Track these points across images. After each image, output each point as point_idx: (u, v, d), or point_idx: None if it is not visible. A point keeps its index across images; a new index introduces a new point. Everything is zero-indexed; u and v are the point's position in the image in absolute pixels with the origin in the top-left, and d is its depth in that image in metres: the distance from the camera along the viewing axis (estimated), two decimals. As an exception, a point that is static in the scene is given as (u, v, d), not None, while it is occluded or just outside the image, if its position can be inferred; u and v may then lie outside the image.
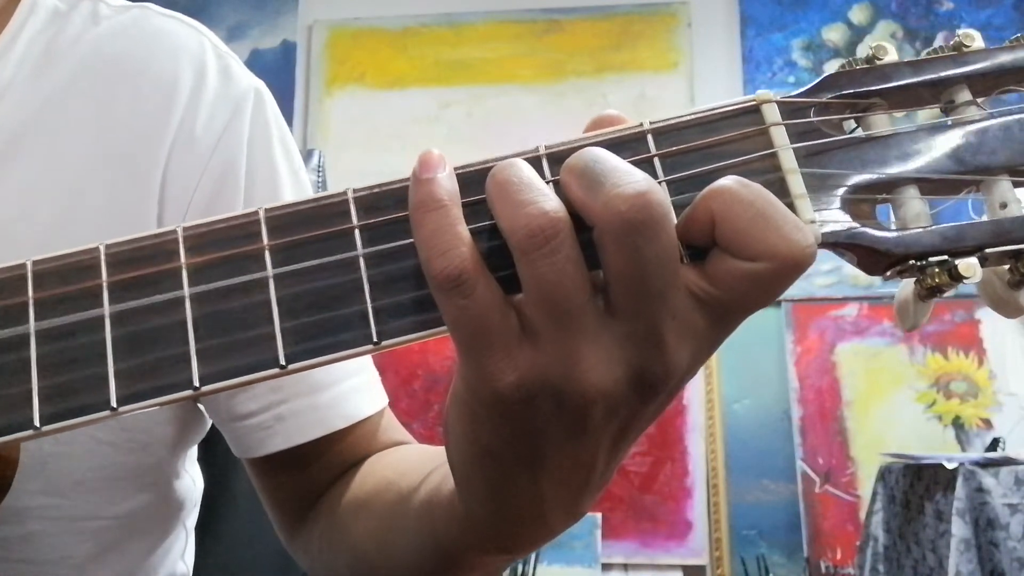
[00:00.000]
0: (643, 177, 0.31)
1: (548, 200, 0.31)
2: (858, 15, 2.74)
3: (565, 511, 0.37)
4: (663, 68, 2.78)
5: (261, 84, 0.66)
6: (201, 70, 0.62)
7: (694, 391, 2.60)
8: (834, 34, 2.74)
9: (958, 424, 2.48)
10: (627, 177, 0.31)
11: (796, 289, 2.61)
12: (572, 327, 0.31)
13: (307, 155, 0.94)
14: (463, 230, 0.32)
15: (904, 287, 0.34)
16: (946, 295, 0.32)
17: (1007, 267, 0.32)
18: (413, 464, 0.53)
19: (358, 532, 0.55)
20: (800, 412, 2.54)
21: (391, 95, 2.86)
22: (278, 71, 2.88)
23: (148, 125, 0.59)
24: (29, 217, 0.56)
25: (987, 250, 0.32)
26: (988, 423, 2.47)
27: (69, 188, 0.57)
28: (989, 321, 2.53)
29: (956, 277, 0.31)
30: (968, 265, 0.31)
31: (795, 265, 0.31)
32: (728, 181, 0.32)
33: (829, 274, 2.61)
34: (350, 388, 0.61)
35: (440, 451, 0.44)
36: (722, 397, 2.59)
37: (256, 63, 2.87)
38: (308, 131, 2.86)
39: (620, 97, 2.70)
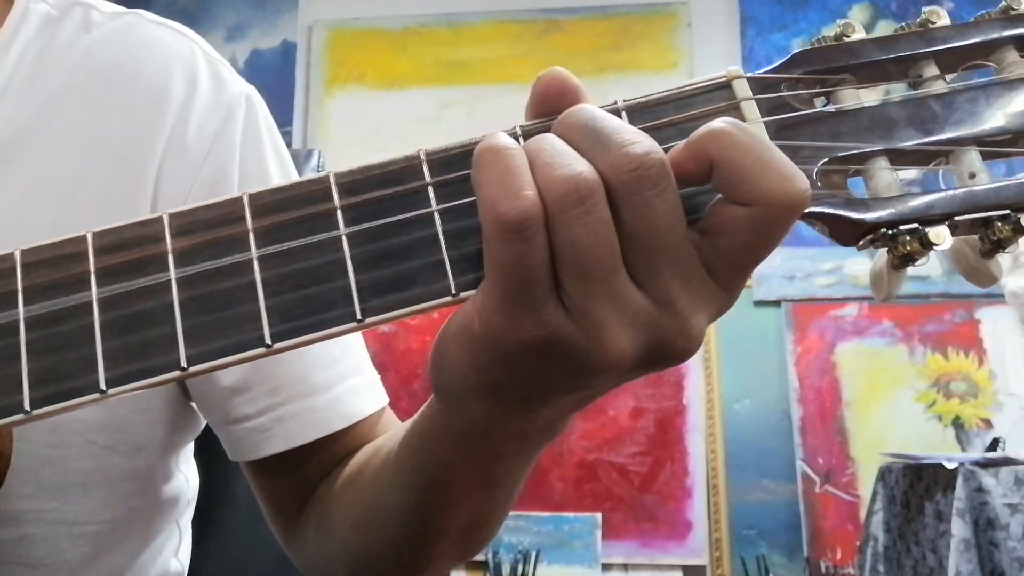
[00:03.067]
0: (644, 135, 0.32)
1: (581, 162, 0.32)
2: (858, 15, 2.74)
3: (549, 431, 0.40)
4: (663, 68, 2.78)
5: (253, 90, 0.66)
6: (193, 77, 0.62)
7: (694, 391, 2.60)
8: (834, 34, 2.74)
9: (958, 424, 2.48)
10: (633, 135, 0.32)
11: (796, 289, 2.62)
12: (601, 291, 0.32)
13: (307, 155, 0.94)
14: (531, 177, 0.32)
15: (879, 258, 0.34)
16: (919, 263, 0.32)
17: (977, 236, 0.33)
18: (398, 429, 0.54)
19: (349, 505, 0.56)
20: (800, 412, 2.54)
21: (391, 95, 2.86)
22: (278, 71, 2.89)
23: (140, 132, 0.60)
24: (23, 224, 0.56)
25: (957, 218, 0.32)
26: (988, 423, 2.47)
27: (62, 195, 0.57)
28: (989, 321, 2.53)
29: (927, 245, 0.32)
30: (938, 233, 0.32)
31: (792, 208, 0.32)
32: (724, 124, 0.32)
33: (829, 274, 2.61)
34: (348, 389, 0.61)
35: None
36: (722, 397, 2.59)
37: (256, 63, 2.88)
38: (308, 131, 2.87)
39: (620, 97, 2.70)
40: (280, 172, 0.65)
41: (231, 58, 2.44)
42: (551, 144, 0.33)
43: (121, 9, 0.66)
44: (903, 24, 0.35)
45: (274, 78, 2.83)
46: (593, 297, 0.32)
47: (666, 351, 0.33)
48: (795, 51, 0.35)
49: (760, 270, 2.77)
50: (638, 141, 0.32)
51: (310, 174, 0.92)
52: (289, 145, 0.69)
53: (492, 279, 0.33)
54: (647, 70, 2.79)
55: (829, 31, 0.37)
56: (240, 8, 2.97)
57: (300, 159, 0.90)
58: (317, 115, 2.88)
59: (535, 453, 0.42)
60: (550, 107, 0.36)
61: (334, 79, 2.90)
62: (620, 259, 0.32)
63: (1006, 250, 0.32)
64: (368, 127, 2.84)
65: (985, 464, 1.72)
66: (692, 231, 0.33)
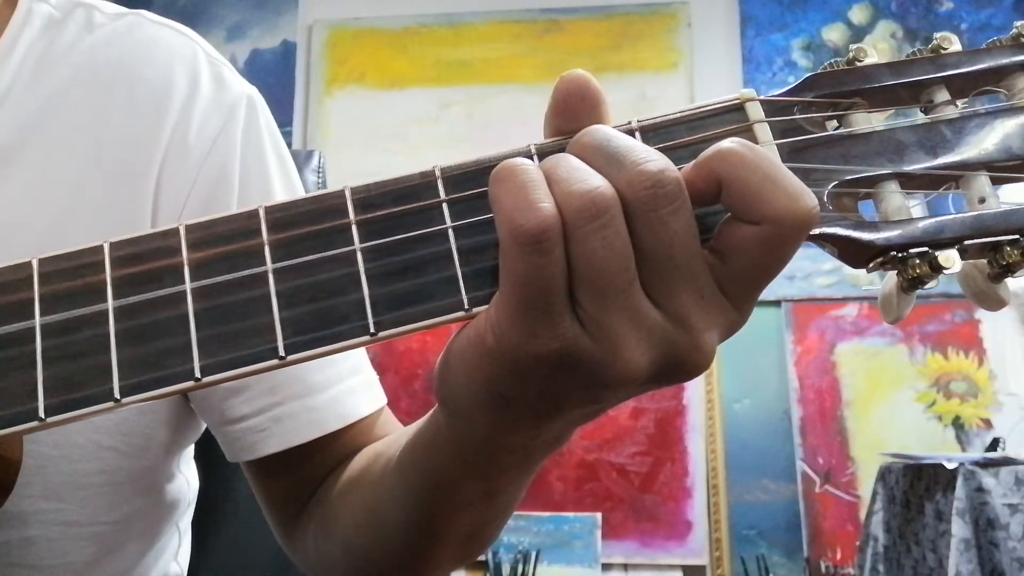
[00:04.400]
0: (658, 153, 0.33)
1: (596, 177, 0.33)
2: (858, 15, 2.74)
3: (553, 444, 0.40)
4: (663, 68, 2.78)
5: (254, 91, 0.66)
6: (194, 77, 0.63)
7: (694, 391, 2.60)
8: (834, 34, 2.74)
9: (958, 424, 2.49)
10: (648, 154, 0.33)
11: (796, 289, 2.62)
12: (616, 307, 0.32)
13: (307, 156, 0.94)
14: (549, 191, 0.33)
15: (888, 280, 0.35)
16: (928, 287, 0.33)
17: (986, 260, 0.33)
18: (400, 435, 0.54)
19: (350, 509, 0.56)
20: (800, 412, 2.55)
21: (391, 95, 2.86)
22: (278, 71, 2.88)
23: (142, 132, 0.60)
24: (26, 224, 0.56)
25: (966, 242, 0.32)
26: (988, 423, 2.47)
27: (65, 195, 0.57)
28: (989, 321, 2.53)
29: (936, 268, 0.32)
30: (948, 256, 0.32)
31: (801, 226, 0.32)
32: (733, 144, 0.33)
33: (829, 274, 2.61)
34: (346, 389, 0.61)
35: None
36: (722, 397, 2.60)
37: (256, 63, 2.88)
38: (308, 131, 2.86)
39: (620, 97, 2.71)
40: (281, 173, 0.65)
41: (231, 58, 2.43)
42: (567, 161, 0.33)
43: (123, 10, 0.66)
44: (915, 49, 0.36)
45: (274, 78, 2.83)
46: (609, 311, 0.32)
47: (679, 366, 0.34)
48: (807, 75, 0.36)
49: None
50: (653, 159, 0.32)
51: (311, 175, 0.93)
52: (289, 145, 0.69)
53: (508, 292, 0.33)
54: (647, 70, 2.79)
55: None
56: (240, 8, 2.96)
57: (300, 159, 0.90)
58: (317, 115, 2.88)
59: (538, 463, 0.42)
60: (571, 109, 0.36)
61: (334, 79, 2.90)
62: (636, 274, 0.32)
63: (1015, 274, 0.32)
64: (368, 127, 2.83)
65: (985, 464, 1.72)
66: (704, 249, 0.33)
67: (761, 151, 0.32)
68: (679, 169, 0.33)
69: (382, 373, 0.66)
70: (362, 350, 0.65)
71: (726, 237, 0.33)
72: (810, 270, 2.61)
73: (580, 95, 0.36)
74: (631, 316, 0.32)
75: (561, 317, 0.33)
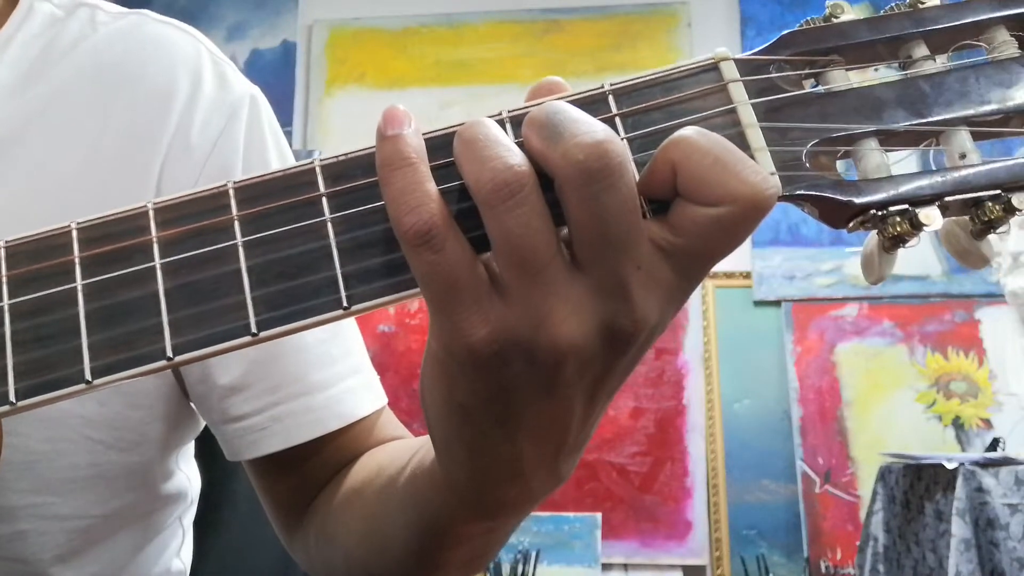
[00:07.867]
0: (602, 128, 0.32)
1: (513, 155, 0.32)
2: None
3: (544, 472, 0.38)
4: (663, 68, 2.79)
5: (256, 90, 0.66)
6: (197, 76, 0.62)
7: (694, 391, 2.60)
8: (834, 34, 2.74)
9: (958, 424, 2.48)
10: (586, 127, 0.32)
11: (796, 289, 2.61)
12: (540, 281, 0.32)
13: (307, 156, 0.94)
14: (431, 187, 0.32)
15: (869, 240, 0.34)
16: (909, 245, 0.32)
17: (968, 217, 0.32)
18: (403, 450, 0.53)
19: (351, 521, 0.55)
20: (800, 412, 2.54)
21: (391, 95, 2.86)
22: (278, 71, 2.89)
23: (144, 131, 0.60)
24: (23, 221, 0.56)
25: (947, 199, 0.32)
26: (988, 423, 2.46)
27: (63, 192, 0.57)
28: (989, 321, 2.53)
29: (917, 226, 0.32)
30: (928, 214, 0.31)
31: (756, 207, 0.31)
32: (686, 131, 0.32)
33: (829, 274, 2.61)
34: (346, 388, 0.61)
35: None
36: (722, 397, 2.59)
37: (256, 63, 2.89)
38: (308, 131, 2.87)
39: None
40: None
41: (231, 58, 2.44)
42: (484, 135, 0.33)
43: (126, 10, 0.66)
44: (893, 4, 0.35)
45: (274, 78, 2.83)
46: (531, 285, 0.32)
47: (620, 335, 0.33)
48: (783, 32, 0.35)
49: (760, 270, 2.78)
50: (588, 133, 0.31)
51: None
52: (289, 145, 0.69)
53: (422, 290, 0.33)
54: (647, 70, 2.79)
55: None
56: (240, 8, 2.97)
57: (300, 159, 0.90)
58: (317, 115, 2.88)
59: (536, 498, 0.40)
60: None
61: (334, 79, 2.90)
62: (557, 248, 0.32)
63: (997, 231, 0.31)
64: (368, 127, 2.79)
65: (985, 464, 1.71)
66: (654, 222, 0.33)
67: (715, 137, 0.32)
68: (654, 132, 0.33)
69: (382, 373, 0.66)
70: (363, 348, 0.65)
71: (678, 216, 0.32)
72: (810, 270, 2.61)
73: (549, 92, 0.36)
74: (556, 288, 0.32)
75: (478, 301, 0.32)
